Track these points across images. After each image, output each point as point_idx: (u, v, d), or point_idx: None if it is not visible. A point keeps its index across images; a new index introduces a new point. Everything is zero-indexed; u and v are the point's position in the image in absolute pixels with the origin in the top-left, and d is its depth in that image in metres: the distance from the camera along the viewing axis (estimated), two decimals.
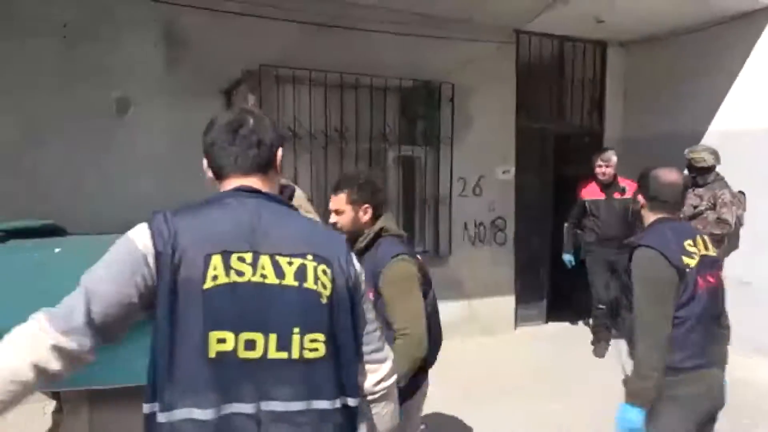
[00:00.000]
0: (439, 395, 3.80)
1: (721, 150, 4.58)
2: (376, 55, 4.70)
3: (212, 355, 1.09)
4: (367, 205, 2.12)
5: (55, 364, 1.09)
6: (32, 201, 3.69)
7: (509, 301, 5.57)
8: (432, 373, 2.32)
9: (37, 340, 1.09)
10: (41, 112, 3.80)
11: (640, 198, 2.17)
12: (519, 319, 5.68)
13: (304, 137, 4.55)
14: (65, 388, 2.74)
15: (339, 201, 2.13)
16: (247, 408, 1.10)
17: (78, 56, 3.89)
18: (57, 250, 3.05)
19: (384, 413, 1.34)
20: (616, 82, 6.00)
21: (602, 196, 4.87)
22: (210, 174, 1.32)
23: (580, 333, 5.52)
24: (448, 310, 5.15)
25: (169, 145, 4.16)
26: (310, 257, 1.18)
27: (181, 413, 1.08)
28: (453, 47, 4.99)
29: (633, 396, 1.98)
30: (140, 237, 1.16)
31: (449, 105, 5.05)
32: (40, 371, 1.08)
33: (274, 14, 4.27)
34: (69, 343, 1.10)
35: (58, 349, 1.09)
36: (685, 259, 1.97)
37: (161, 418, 1.09)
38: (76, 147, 3.91)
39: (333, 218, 2.15)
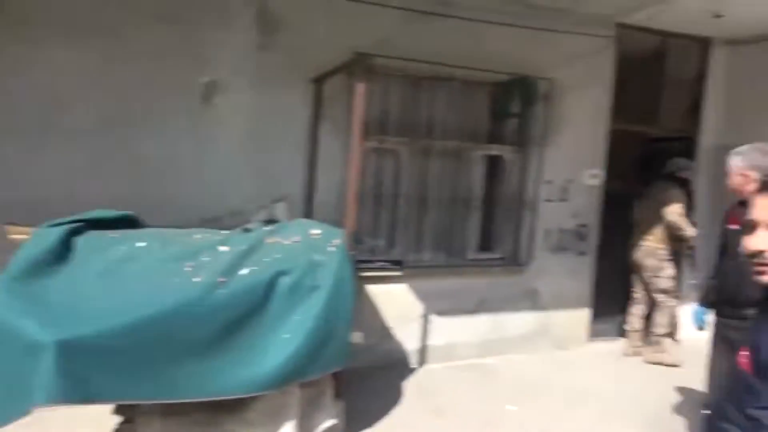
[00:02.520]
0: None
1: None
2: (472, 46, 4.38)
3: None
4: None
5: None
6: (118, 184, 3.57)
7: (584, 314, 5.24)
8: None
9: None
10: (131, 94, 3.65)
11: None
12: (592, 333, 5.35)
13: (391, 131, 4.28)
14: (148, 400, 2.63)
15: None
16: None
17: (169, 39, 3.70)
18: (140, 244, 2.91)
19: None
20: (718, 83, 5.52)
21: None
22: None
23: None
24: (522, 321, 4.95)
25: (255, 132, 3.97)
26: None
27: None
28: (553, 40, 4.62)
29: None
30: None
31: (544, 103, 4.69)
32: None
33: None
34: None
35: None
36: None
37: None
38: (164, 131, 3.76)
39: None
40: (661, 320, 4.92)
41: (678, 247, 4.96)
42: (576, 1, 4.42)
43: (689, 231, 4.74)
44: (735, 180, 2.85)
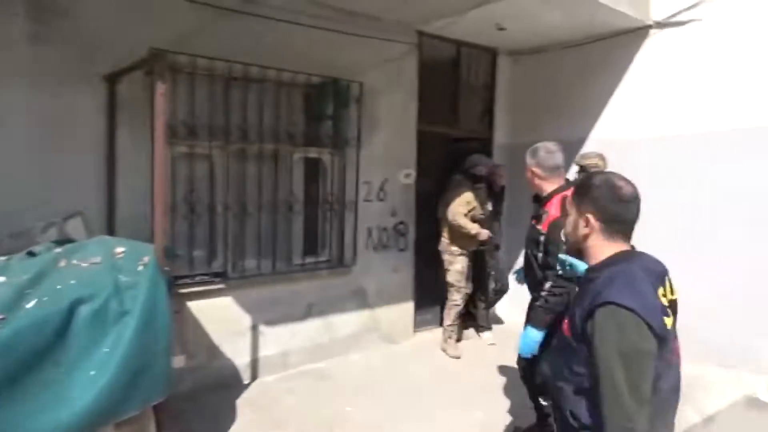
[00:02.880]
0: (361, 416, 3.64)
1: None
2: (283, 47, 4.29)
3: None
4: None
5: None
6: None
7: (409, 307, 5.49)
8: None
9: None
10: None
11: (591, 219, 1.63)
12: (417, 324, 5.64)
13: (201, 135, 3.98)
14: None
15: None
16: None
17: None
18: None
19: None
20: (505, 89, 6.22)
21: None
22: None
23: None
24: (352, 321, 5.00)
25: (36, 138, 3.37)
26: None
27: None
28: (362, 45, 4.75)
29: None
30: None
31: (356, 105, 4.79)
32: None
33: None
34: None
35: None
36: (665, 320, 1.52)
37: None
38: None
39: None
40: (446, 313, 5.17)
41: (470, 243, 5.05)
42: (381, 8, 4.60)
43: (471, 229, 4.89)
44: (527, 176, 3.18)
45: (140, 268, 2.76)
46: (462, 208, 4.94)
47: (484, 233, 4.96)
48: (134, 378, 2.47)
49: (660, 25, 5.04)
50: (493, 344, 5.36)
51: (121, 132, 3.67)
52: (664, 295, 1.57)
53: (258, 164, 4.29)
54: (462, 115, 5.94)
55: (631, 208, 1.62)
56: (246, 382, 4.21)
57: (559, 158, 3.11)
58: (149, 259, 2.79)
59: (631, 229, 1.66)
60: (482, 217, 5.09)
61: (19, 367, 2.19)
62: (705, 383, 4.35)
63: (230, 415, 3.63)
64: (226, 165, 4.14)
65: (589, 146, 5.37)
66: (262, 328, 4.31)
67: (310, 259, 4.68)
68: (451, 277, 5.09)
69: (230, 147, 4.14)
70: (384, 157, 5.11)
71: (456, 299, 5.08)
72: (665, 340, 1.50)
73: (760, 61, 4.40)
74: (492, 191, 5.35)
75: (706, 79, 4.73)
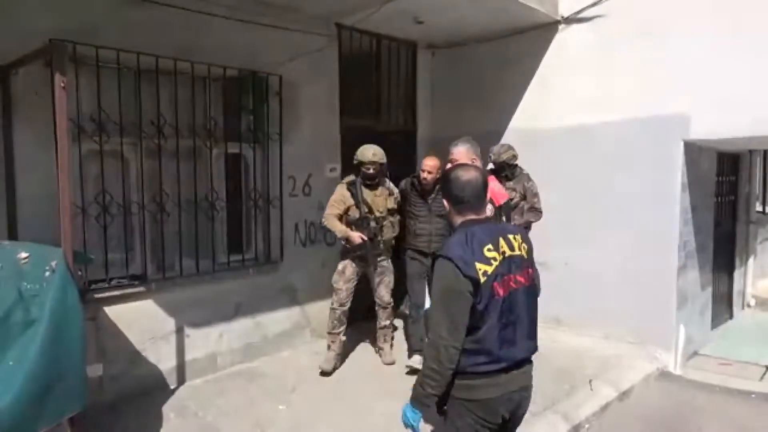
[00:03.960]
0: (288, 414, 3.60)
1: (516, 146, 5.04)
2: (197, 38, 4.13)
3: None
4: None
5: None
6: None
7: None
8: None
9: None
10: None
11: (446, 202, 2.18)
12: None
13: (112, 131, 3.76)
14: None
15: None
16: None
17: None
18: None
19: None
20: (426, 83, 6.32)
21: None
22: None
23: None
24: (282, 318, 4.91)
25: None
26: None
27: None
28: (281, 38, 4.67)
29: (414, 399, 2.06)
30: None
31: (276, 99, 4.71)
32: None
33: None
34: None
35: None
36: (481, 267, 1.95)
37: None
38: None
39: None
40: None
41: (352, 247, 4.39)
42: (298, 0, 4.53)
43: (337, 231, 4.33)
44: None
45: (47, 273, 2.57)
46: (332, 208, 4.36)
47: (354, 236, 4.20)
48: (45, 391, 2.31)
49: (567, 20, 5.31)
50: (411, 369, 4.31)
51: (18, 129, 3.41)
52: (494, 250, 2.01)
53: (175, 161, 4.11)
54: (385, 109, 5.98)
55: (467, 190, 2.10)
56: (173, 387, 4.03)
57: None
58: (57, 264, 2.60)
59: (474, 205, 2.11)
60: (370, 218, 4.30)
61: None
62: (619, 361, 4.66)
63: (156, 423, 3.46)
64: (140, 162, 3.94)
65: (508, 137, 5.58)
66: (188, 330, 4.15)
67: (235, 258, 4.55)
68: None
69: (143, 143, 3.94)
70: (308, 152, 5.06)
71: (333, 302, 4.47)
72: (478, 282, 1.94)
73: (657, 55, 4.74)
74: (423, 190, 4.44)
75: (608, 70, 5.04)
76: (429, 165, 4.33)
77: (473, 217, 2.10)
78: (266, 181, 4.73)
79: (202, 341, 4.26)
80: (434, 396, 2.00)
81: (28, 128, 3.44)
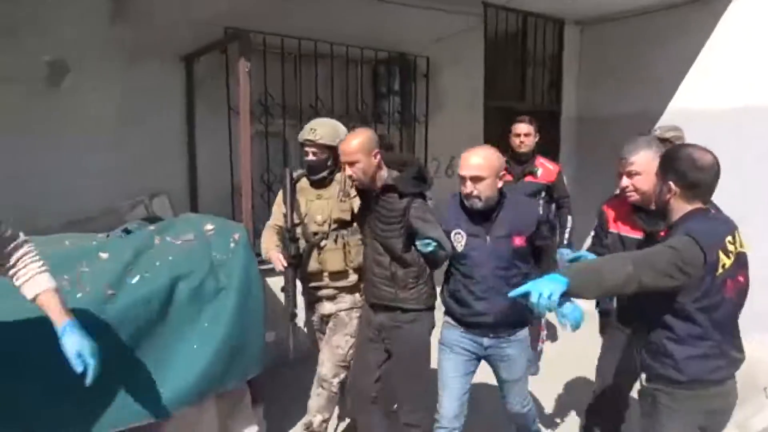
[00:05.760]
0: None
1: None
2: (352, 22, 4.24)
3: None
4: None
5: None
6: None
7: None
8: None
9: None
10: None
11: (672, 185, 1.84)
12: None
13: (275, 113, 4.00)
14: None
15: None
16: None
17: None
18: None
19: None
20: (573, 61, 5.99)
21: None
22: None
23: None
24: None
25: (117, 118, 3.45)
26: None
27: None
28: (428, 18, 4.66)
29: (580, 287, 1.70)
30: None
31: (423, 81, 4.71)
32: None
33: None
34: None
35: None
36: (722, 258, 1.76)
37: None
38: (4, 122, 3.09)
39: None
40: None
41: None
42: None
43: (263, 249, 2.99)
44: (645, 180, 2.23)
45: (232, 245, 2.79)
46: (273, 215, 3.04)
47: (273, 259, 2.75)
48: (234, 352, 2.52)
49: None
50: None
51: (199, 112, 3.73)
52: (732, 243, 1.81)
53: None
54: (529, 89, 5.77)
55: (708, 174, 1.82)
56: None
57: None
58: (240, 237, 2.81)
59: (706, 193, 1.86)
60: (293, 232, 2.81)
61: (128, 343, 2.25)
62: None
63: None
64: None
65: (666, 118, 5.13)
66: None
67: None
68: None
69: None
70: (451, 134, 5.02)
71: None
72: (714, 271, 1.74)
73: None
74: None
75: None
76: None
77: (702, 206, 1.86)
78: None
79: None
80: (601, 295, 2.20)
81: (206, 109, 3.75)
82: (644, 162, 2.24)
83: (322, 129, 2.79)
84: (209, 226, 2.88)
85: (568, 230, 3.88)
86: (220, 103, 3.72)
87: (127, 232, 2.86)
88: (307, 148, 2.82)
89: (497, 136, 5.47)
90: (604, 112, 5.69)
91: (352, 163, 2.47)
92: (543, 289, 1.63)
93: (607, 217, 2.61)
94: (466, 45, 5.03)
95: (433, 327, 2.69)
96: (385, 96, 4.63)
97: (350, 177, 2.52)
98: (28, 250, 1.82)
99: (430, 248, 2.32)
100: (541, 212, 3.49)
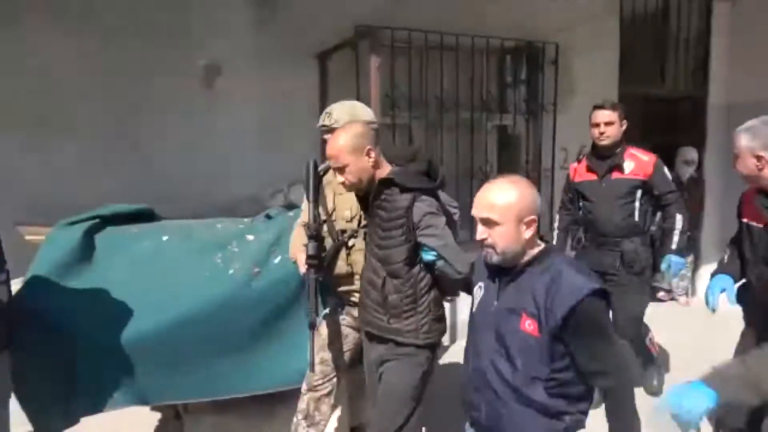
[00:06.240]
0: None
1: None
2: (474, 13, 4.23)
3: None
4: None
5: None
6: (122, 176, 3.38)
7: None
8: None
9: None
10: (131, 83, 3.44)
11: None
12: None
13: (402, 106, 4.13)
14: (193, 400, 2.51)
15: None
16: None
17: (161, 20, 3.49)
18: (165, 238, 2.76)
19: None
20: (723, 40, 5.44)
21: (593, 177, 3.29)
22: None
23: None
24: None
25: (260, 114, 3.80)
26: None
27: None
28: (558, 4, 4.50)
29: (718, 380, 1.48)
30: None
31: (552, 68, 4.58)
32: None
33: None
34: None
35: None
36: None
37: None
38: (165, 119, 3.56)
39: None
40: None
41: None
42: None
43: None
44: (747, 163, 2.25)
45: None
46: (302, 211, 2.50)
47: (299, 261, 2.25)
48: None
49: None
50: None
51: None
52: None
53: (453, 134, 4.34)
54: (670, 72, 5.36)
55: None
56: (446, 344, 4.36)
57: None
58: None
59: None
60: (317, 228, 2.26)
61: (272, 314, 2.49)
62: None
63: (437, 371, 3.78)
64: (424, 135, 4.25)
65: None
66: (462, 293, 4.39)
67: None
68: None
69: (427, 117, 4.23)
70: (581, 122, 4.79)
71: None
72: None
73: None
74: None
75: None
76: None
77: None
78: (538, 153, 4.68)
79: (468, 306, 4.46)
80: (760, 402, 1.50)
81: None
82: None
83: (338, 112, 2.40)
84: None
85: (677, 233, 3.12)
86: (349, 97, 3.90)
87: (269, 217, 3.14)
88: (324, 135, 2.40)
89: (633, 124, 5.18)
90: (759, 97, 5.10)
91: (341, 169, 2.03)
92: (686, 403, 1.42)
93: (740, 205, 2.44)
94: (600, 28, 4.79)
95: (430, 372, 2.15)
96: (510, 86, 4.57)
97: (343, 185, 2.09)
98: None
99: (430, 257, 1.95)
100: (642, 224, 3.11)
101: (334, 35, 3.77)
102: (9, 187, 3.14)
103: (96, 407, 2.13)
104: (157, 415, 2.99)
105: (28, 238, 2.61)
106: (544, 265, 1.59)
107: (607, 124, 3.21)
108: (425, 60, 4.14)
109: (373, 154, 2.02)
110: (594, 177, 3.25)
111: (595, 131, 3.25)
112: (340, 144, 2.01)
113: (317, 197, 2.27)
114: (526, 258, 1.61)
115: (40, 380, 2.14)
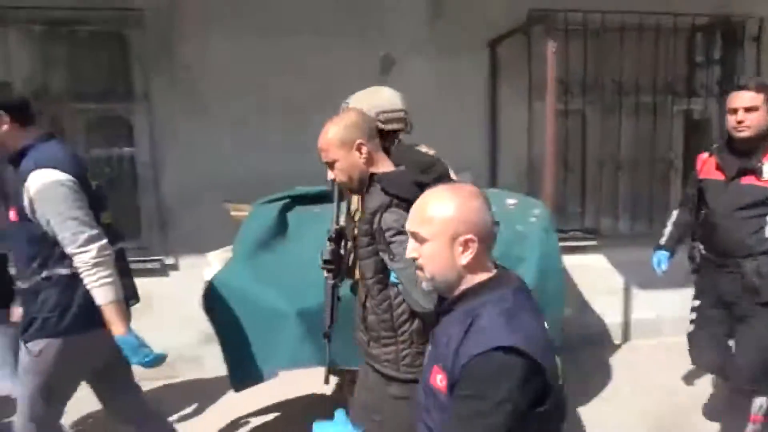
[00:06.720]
0: None
1: None
2: None
3: None
4: None
5: None
6: (305, 162, 3.66)
7: None
8: None
9: None
10: (312, 74, 3.72)
11: None
12: None
13: (575, 91, 3.96)
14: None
15: None
16: None
17: (343, 15, 3.74)
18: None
19: None
20: None
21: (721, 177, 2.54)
22: None
23: None
24: None
25: (434, 103, 3.89)
26: None
27: None
28: None
29: None
30: None
31: (753, 45, 4.04)
32: None
33: None
34: None
35: None
36: None
37: None
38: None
39: None
40: None
41: None
42: None
43: None
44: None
45: (532, 219, 2.91)
46: None
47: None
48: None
49: None
50: None
51: (501, 94, 3.93)
52: None
53: (632, 119, 4.05)
54: None
55: None
56: (617, 342, 4.12)
57: None
58: (540, 212, 2.91)
59: None
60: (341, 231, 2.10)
61: None
62: None
63: (603, 373, 3.61)
64: (599, 121, 4.03)
65: None
66: (635, 290, 4.13)
67: None
68: None
69: (603, 102, 4.00)
70: None
71: None
72: None
73: None
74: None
75: None
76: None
77: None
78: None
79: (647, 304, 4.16)
80: None
81: (508, 90, 3.93)
82: None
83: (355, 99, 2.18)
84: (511, 201, 3.05)
85: None
86: (520, 83, 3.85)
87: None
88: None
89: None
90: None
91: (331, 165, 1.78)
92: None
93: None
94: None
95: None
96: (702, 66, 4.13)
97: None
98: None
99: (394, 279, 1.63)
100: None
101: (506, 21, 3.72)
102: (221, 170, 3.60)
103: (294, 364, 2.38)
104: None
105: (233, 214, 2.99)
106: (471, 305, 1.19)
107: (749, 110, 2.38)
108: (601, 42, 3.91)
109: (364, 149, 1.73)
110: (721, 177, 2.51)
111: (732, 119, 2.44)
112: (328, 137, 1.75)
113: (341, 197, 2.02)
114: (458, 292, 1.23)
115: (241, 341, 2.44)
